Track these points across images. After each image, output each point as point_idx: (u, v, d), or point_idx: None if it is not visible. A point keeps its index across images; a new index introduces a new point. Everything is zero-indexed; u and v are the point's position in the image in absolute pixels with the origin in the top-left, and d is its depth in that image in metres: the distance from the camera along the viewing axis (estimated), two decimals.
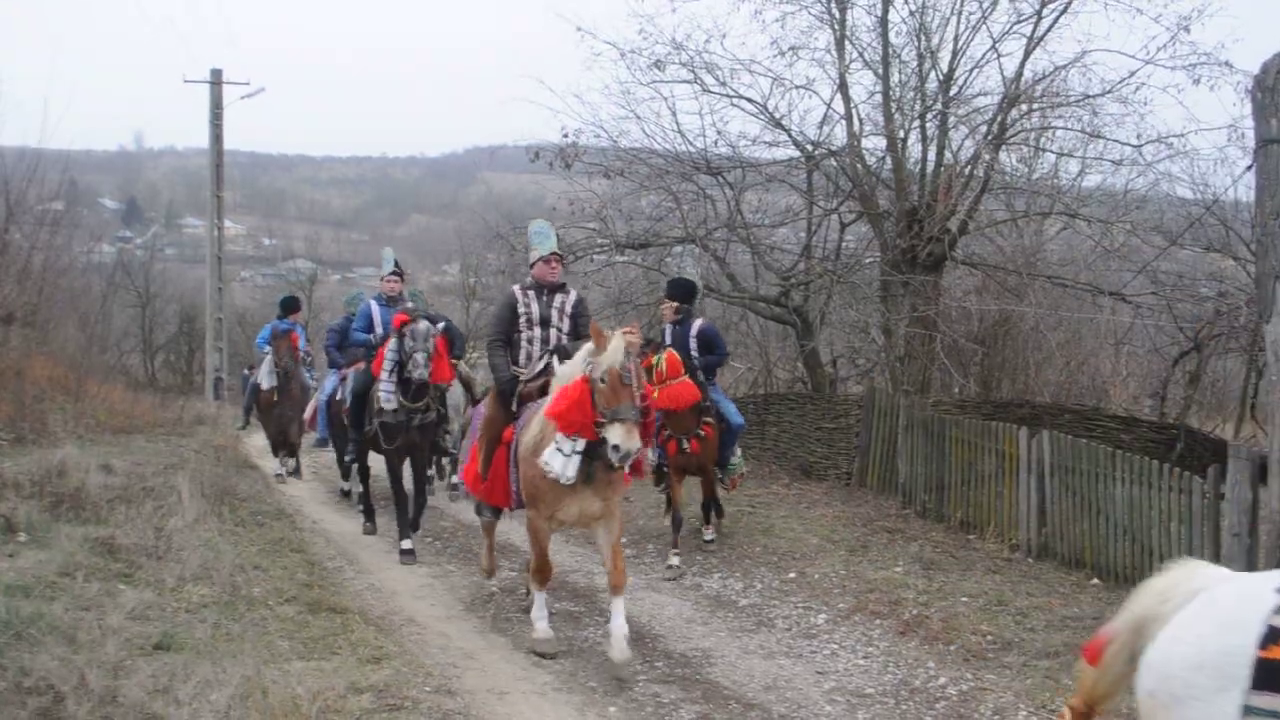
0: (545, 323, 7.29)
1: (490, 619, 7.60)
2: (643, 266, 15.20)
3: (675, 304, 9.77)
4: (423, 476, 10.10)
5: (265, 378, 14.23)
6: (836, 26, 13.61)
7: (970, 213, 13.38)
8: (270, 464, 14.88)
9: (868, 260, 14.95)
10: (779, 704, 5.89)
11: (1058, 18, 13.01)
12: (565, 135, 14.22)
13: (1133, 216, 13.25)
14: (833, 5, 13.59)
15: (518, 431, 6.84)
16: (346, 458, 10.91)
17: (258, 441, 17.32)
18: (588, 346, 6.29)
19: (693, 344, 9.52)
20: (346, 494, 13.08)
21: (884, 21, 13.64)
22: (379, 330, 10.26)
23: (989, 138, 13.34)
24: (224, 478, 11.67)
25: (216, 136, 28.61)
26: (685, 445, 9.29)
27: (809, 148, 14.11)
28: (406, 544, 9.56)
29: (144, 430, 15.22)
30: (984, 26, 13.37)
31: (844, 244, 15.13)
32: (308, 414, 13.66)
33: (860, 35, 13.87)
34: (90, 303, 25.77)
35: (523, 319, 7.31)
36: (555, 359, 6.98)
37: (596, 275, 15.44)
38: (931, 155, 13.78)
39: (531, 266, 7.59)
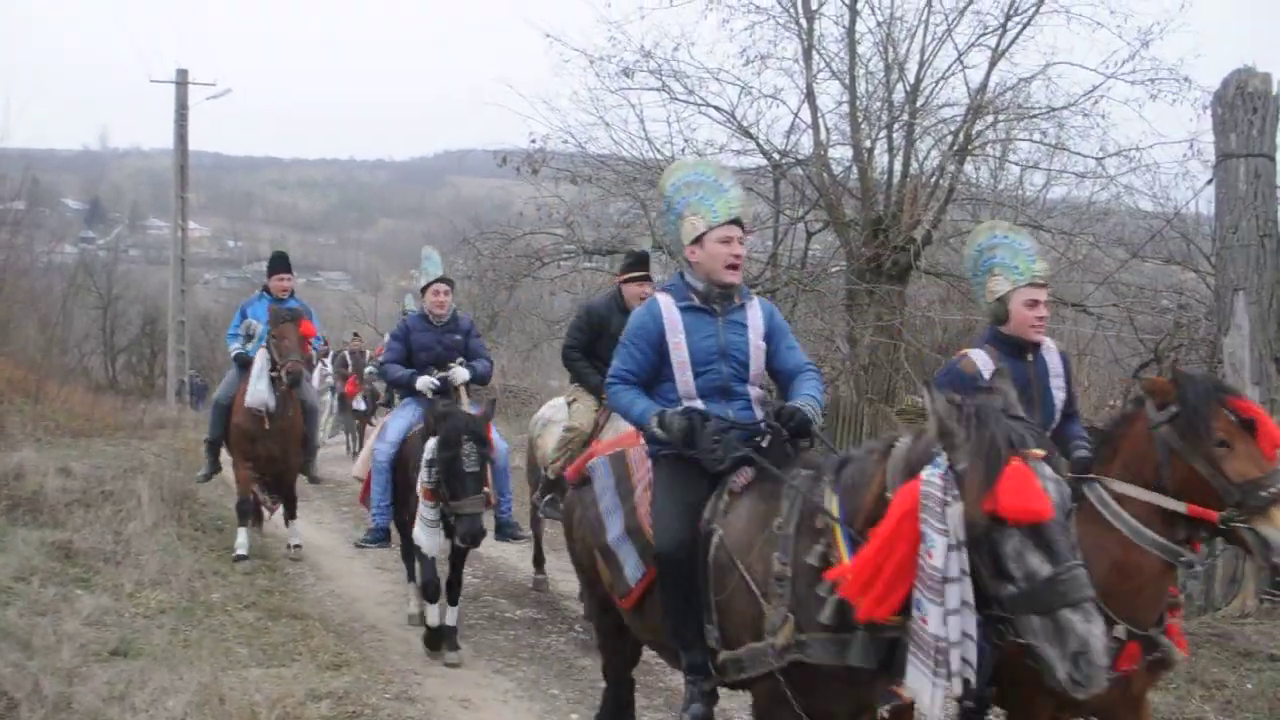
0: None
1: None
2: (609, 273, 15.20)
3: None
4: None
5: (257, 393, 8.74)
6: (804, 36, 13.66)
7: (935, 223, 13.45)
8: (237, 535, 9.02)
9: (833, 269, 15.03)
10: (744, 712, 5.89)
11: (1021, 30, 13.12)
12: (533, 140, 14.23)
13: (1095, 229, 13.40)
14: (800, 16, 13.65)
15: None
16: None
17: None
18: None
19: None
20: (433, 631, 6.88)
21: (851, 32, 13.71)
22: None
23: (954, 149, 13.45)
24: (184, 482, 11.57)
25: (181, 137, 28.31)
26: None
27: (776, 156, 14.16)
28: None
29: (104, 433, 15.07)
30: (950, 39, 13.46)
31: (810, 253, 15.20)
32: (357, 470, 8.09)
33: (828, 45, 13.94)
34: (51, 304, 25.57)
35: None
36: None
37: (563, 281, 15.42)
38: (898, 166, 13.85)
39: None
